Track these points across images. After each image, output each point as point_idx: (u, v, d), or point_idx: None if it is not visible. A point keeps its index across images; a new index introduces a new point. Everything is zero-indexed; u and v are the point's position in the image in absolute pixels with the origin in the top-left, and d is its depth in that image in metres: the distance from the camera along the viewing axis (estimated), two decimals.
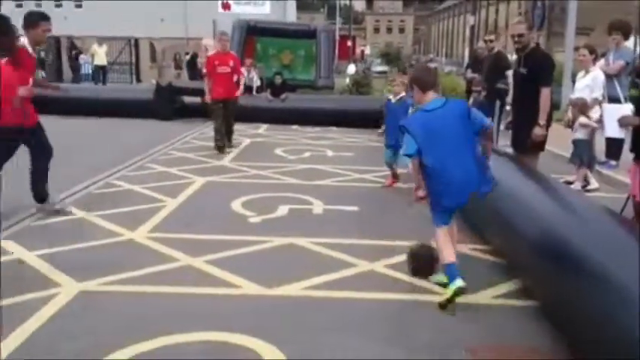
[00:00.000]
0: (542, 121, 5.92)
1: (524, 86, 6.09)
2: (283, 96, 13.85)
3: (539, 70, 5.94)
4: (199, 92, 14.65)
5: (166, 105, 13.71)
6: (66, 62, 26.43)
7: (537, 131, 5.93)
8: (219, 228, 5.67)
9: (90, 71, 22.65)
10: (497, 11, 59.52)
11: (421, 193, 4.34)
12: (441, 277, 4.25)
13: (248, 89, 14.34)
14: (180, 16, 59.24)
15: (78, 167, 8.12)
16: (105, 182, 7.51)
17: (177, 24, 55.71)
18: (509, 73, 9.72)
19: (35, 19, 5.99)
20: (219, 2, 62.82)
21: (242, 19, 20.78)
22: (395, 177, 7.63)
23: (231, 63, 10.07)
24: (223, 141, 9.92)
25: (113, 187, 7.33)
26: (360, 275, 4.59)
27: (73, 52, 25.68)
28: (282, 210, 6.39)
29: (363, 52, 59.95)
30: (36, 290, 4.10)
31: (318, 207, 6.56)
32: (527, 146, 6.07)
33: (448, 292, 3.94)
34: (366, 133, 11.97)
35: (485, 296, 4.21)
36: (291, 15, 61.64)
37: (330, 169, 8.65)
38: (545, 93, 5.89)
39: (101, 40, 24.81)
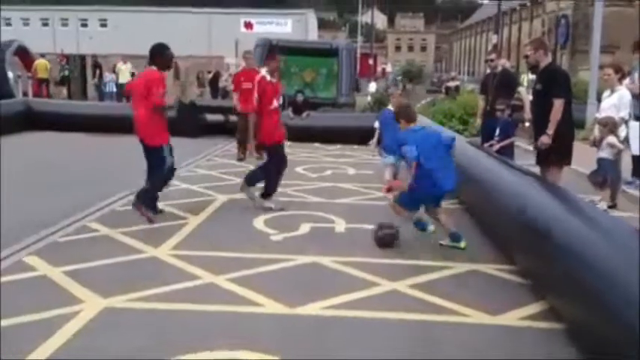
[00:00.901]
0: (550, 130, 5.96)
1: (542, 102, 6.16)
2: (305, 114, 13.91)
3: (551, 84, 6.02)
4: (222, 110, 14.89)
5: (190, 123, 13.80)
6: (90, 80, 26.85)
7: (544, 139, 6.00)
8: (242, 246, 5.67)
9: (114, 89, 22.97)
10: (519, 29, 59.37)
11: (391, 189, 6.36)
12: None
13: None
14: (203, 36, 60.32)
15: (104, 184, 8.22)
16: (128, 199, 7.56)
17: (200, 43, 56.66)
18: (521, 89, 9.67)
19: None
20: (242, 22, 63.84)
21: (264, 37, 20.98)
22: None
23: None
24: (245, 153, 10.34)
25: None
26: (384, 295, 4.55)
27: (97, 70, 26.08)
28: (305, 228, 6.38)
29: (384, 69, 60.09)
30: (61, 306, 4.12)
31: (340, 225, 6.54)
32: (550, 162, 6.11)
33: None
34: None
35: (511, 317, 4.14)
36: (312, 33, 62.23)
37: (351, 187, 8.64)
38: (556, 104, 5.93)
39: (126, 58, 25.21)
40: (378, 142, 7.99)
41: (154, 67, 6.56)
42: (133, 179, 8.43)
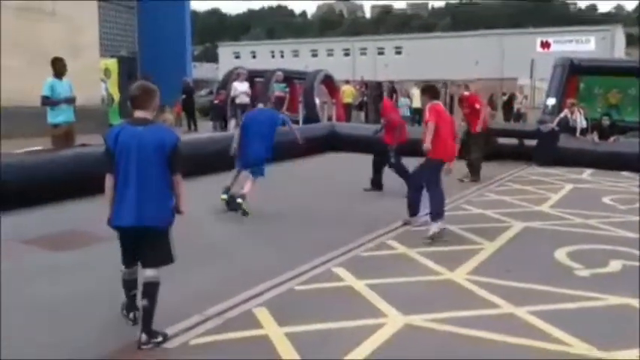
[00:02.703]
0: None
1: None
2: (612, 139, 12.64)
3: None
4: (514, 134, 14.38)
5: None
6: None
7: None
8: (543, 278, 5.33)
9: (408, 113, 23.94)
10: None
11: None
12: None
13: (571, 131, 13.51)
14: (496, 57, 59.55)
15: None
16: (423, 220, 7.72)
17: (492, 65, 56.05)
18: None
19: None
20: (538, 41, 61.32)
21: (564, 57, 19.75)
22: None
23: None
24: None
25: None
26: None
27: (394, 95, 27.51)
28: (615, 265, 5.74)
29: None
30: (365, 318, 4.36)
31: None
32: None
33: None
34: None
35: None
36: (619, 51, 56.75)
37: None
38: None
39: (419, 84, 26.14)
40: None
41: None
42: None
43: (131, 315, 4.18)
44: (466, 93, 11.62)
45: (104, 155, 3.97)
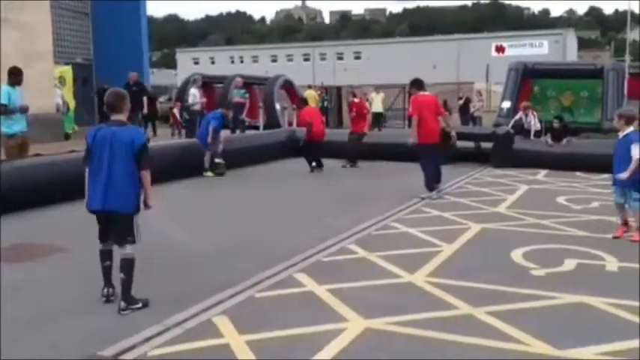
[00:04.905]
0: None
1: None
2: (565, 140, 12.98)
3: None
4: (471, 137, 14.60)
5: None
6: (346, 110, 28.59)
7: None
8: (500, 278, 5.42)
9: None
10: None
11: None
12: None
13: (526, 133, 13.81)
14: (452, 62, 60.53)
15: (364, 209, 8.63)
16: (384, 224, 7.80)
17: (448, 70, 56.93)
18: None
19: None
20: (493, 46, 62.58)
21: (518, 61, 20.22)
22: (625, 224, 6.94)
23: None
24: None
25: (391, 228, 7.57)
26: None
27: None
28: (569, 264, 5.89)
29: None
30: (326, 323, 4.36)
31: (612, 264, 5.90)
32: None
33: None
34: None
35: None
36: (571, 54, 58.34)
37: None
38: None
39: (378, 88, 26.36)
40: None
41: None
42: (384, 207, 8.71)
43: (104, 291, 4.72)
44: (356, 100, 14.14)
45: (85, 151, 4.73)
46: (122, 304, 4.52)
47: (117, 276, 4.67)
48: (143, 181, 4.62)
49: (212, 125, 11.81)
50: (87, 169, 4.65)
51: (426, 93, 9.87)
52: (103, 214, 4.62)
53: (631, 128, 6.88)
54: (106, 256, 4.76)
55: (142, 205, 4.69)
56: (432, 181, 9.53)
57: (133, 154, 4.53)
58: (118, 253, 4.68)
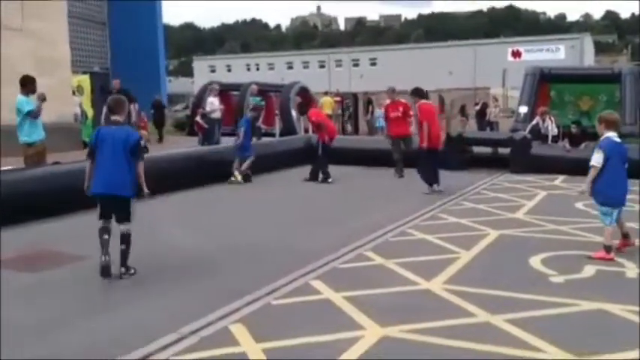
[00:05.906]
0: None
1: None
2: (583, 145, 12.84)
3: None
4: (489, 142, 14.55)
5: (457, 155, 13.71)
6: (362, 116, 28.57)
7: None
8: (518, 285, 5.37)
9: (383, 124, 24.05)
10: None
11: None
12: None
13: (543, 138, 13.69)
14: (468, 68, 60.33)
15: (378, 215, 8.59)
16: (400, 231, 7.76)
17: (464, 75, 56.73)
18: None
19: None
20: (509, 51, 62.26)
21: (534, 65, 20.09)
22: (625, 237, 6.56)
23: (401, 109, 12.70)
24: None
25: (408, 235, 7.53)
26: None
27: (370, 107, 27.63)
28: (589, 271, 5.81)
29: None
30: (343, 330, 4.34)
31: (632, 270, 5.81)
32: None
33: None
34: None
35: None
36: (588, 59, 57.85)
37: None
38: None
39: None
40: None
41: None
42: (398, 214, 8.67)
43: (102, 259, 5.46)
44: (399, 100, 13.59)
45: (89, 148, 5.77)
46: (122, 269, 5.53)
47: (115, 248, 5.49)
48: (138, 170, 5.59)
49: (241, 129, 12.06)
50: (90, 163, 5.65)
51: (429, 101, 11.19)
52: (105, 196, 5.53)
53: (611, 133, 6.68)
54: (104, 231, 5.57)
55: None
56: (431, 177, 10.53)
57: (129, 149, 5.53)
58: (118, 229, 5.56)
